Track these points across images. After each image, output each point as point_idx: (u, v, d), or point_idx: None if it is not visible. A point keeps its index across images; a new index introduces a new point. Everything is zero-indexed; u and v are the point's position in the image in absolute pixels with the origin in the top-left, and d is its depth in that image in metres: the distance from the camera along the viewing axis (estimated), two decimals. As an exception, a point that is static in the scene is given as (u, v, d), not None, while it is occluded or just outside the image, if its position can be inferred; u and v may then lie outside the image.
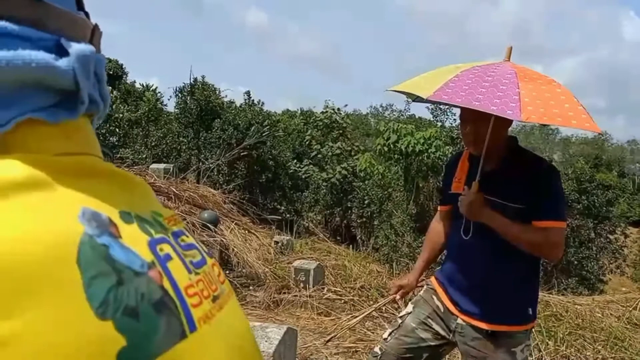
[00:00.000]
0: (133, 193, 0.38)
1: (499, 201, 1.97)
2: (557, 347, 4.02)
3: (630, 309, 5.69)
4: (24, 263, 0.27)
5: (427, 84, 2.02)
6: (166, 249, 0.35)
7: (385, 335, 2.27)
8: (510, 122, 2.00)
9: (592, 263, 22.07)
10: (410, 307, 2.27)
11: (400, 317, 2.28)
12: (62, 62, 0.34)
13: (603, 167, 41.74)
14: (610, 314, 5.41)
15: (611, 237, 25.46)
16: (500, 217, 1.96)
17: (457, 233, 2.15)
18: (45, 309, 0.27)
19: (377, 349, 2.25)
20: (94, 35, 0.38)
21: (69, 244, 0.29)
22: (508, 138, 2.08)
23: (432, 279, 2.28)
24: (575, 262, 21.65)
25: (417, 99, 2.35)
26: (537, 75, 2.05)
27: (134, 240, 0.33)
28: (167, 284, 0.33)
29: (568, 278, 20.71)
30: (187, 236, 0.39)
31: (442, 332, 2.14)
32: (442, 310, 2.15)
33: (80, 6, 0.39)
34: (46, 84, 0.33)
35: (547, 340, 4.11)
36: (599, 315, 5.35)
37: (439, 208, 2.42)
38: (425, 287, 2.33)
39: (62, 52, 0.34)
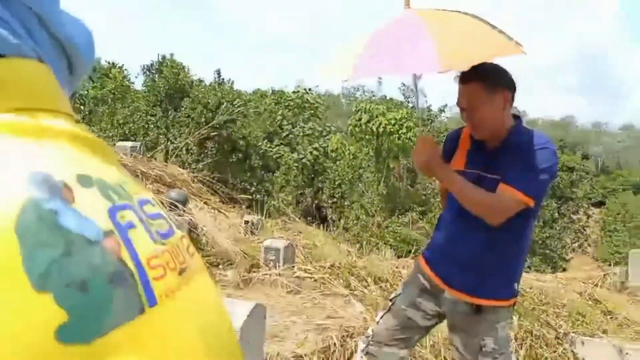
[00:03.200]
0: (97, 157, 0.34)
1: (489, 176, 1.96)
2: (520, 322, 4.12)
3: (592, 285, 5.88)
4: None
5: (342, 63, 2.00)
6: (128, 216, 0.31)
7: (377, 318, 2.29)
8: (505, 101, 1.97)
9: (556, 242, 22.79)
10: (400, 289, 2.29)
11: (391, 299, 2.29)
12: None
13: (567, 149, 42.83)
14: (573, 291, 5.59)
15: (574, 217, 26.32)
16: (454, 173, 1.96)
17: (448, 211, 2.15)
18: None
19: (369, 331, 2.29)
20: None
21: (8, 211, 0.26)
22: (512, 118, 2.03)
23: (419, 258, 2.28)
24: (539, 241, 22.30)
25: (348, 79, 2.36)
26: (444, 15, 2.02)
27: (91, 206, 0.29)
28: (125, 255, 0.29)
29: (532, 257, 21.33)
30: (154, 205, 0.36)
31: (433, 309, 2.16)
32: (429, 288, 2.15)
33: None
34: None
35: (511, 315, 4.22)
36: (562, 291, 5.51)
37: (439, 182, 2.41)
38: (413, 267, 2.34)
39: None
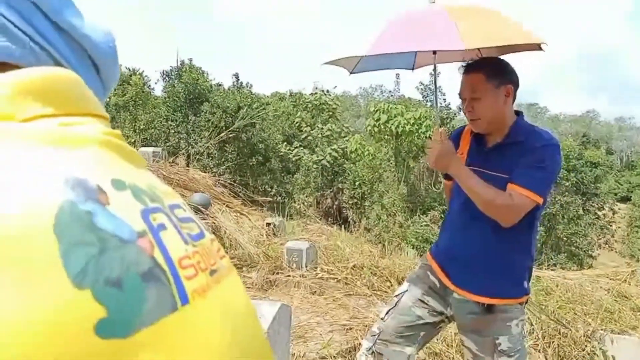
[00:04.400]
0: (131, 164, 0.35)
1: (490, 173, 1.96)
2: (548, 321, 4.06)
3: (620, 282, 5.77)
4: None
5: (360, 45, 2.02)
6: (160, 218, 0.33)
7: (382, 315, 2.26)
8: (508, 95, 1.98)
9: (581, 239, 22.38)
10: (405, 286, 2.26)
11: (396, 295, 2.27)
12: None
13: (591, 145, 42.07)
14: (600, 287, 5.49)
15: (599, 213, 25.82)
16: (467, 170, 1.95)
17: (454, 208, 2.14)
18: (6, 288, 0.25)
19: (375, 328, 2.25)
20: None
21: (46, 212, 0.27)
22: (513, 114, 2.03)
23: (427, 255, 2.27)
24: (565, 239, 21.94)
25: (355, 68, 2.36)
26: (467, 6, 2.06)
27: (125, 208, 0.31)
28: (158, 254, 0.30)
29: (558, 254, 20.99)
30: (184, 210, 0.37)
31: (439, 308, 2.14)
32: (438, 286, 2.14)
33: None
34: None
35: (538, 314, 4.15)
36: (589, 289, 5.42)
37: (443, 182, 2.41)
38: (419, 264, 2.32)
39: None
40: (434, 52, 2.07)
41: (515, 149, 1.95)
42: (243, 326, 0.35)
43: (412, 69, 2.57)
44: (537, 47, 2.09)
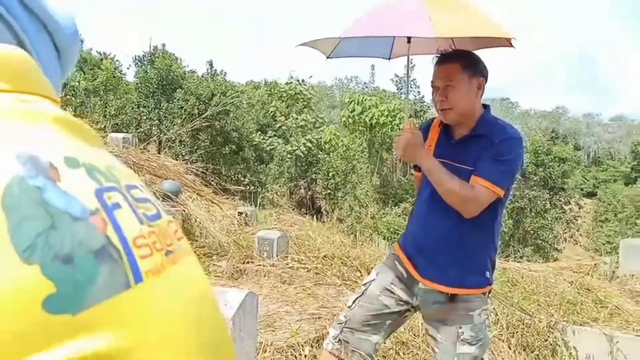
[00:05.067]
0: (87, 143, 0.34)
1: (456, 165, 1.98)
2: (513, 311, 4.15)
3: (583, 275, 5.93)
4: None
5: (337, 29, 2.08)
6: (115, 197, 0.32)
7: (349, 303, 2.28)
8: (479, 87, 2.01)
9: (547, 232, 22.96)
10: (373, 274, 2.28)
11: (364, 284, 2.29)
12: None
13: (559, 140, 43.03)
14: (564, 280, 5.63)
15: (566, 207, 26.47)
16: (434, 160, 1.98)
17: (422, 199, 2.17)
18: None
19: (341, 317, 2.26)
20: None
21: None
22: (481, 107, 2.08)
23: (395, 245, 2.29)
24: (531, 232, 22.47)
25: (332, 53, 2.39)
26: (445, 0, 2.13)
27: (77, 186, 0.30)
28: (111, 232, 0.30)
29: (524, 247, 21.49)
30: (141, 190, 0.36)
31: (405, 298, 2.17)
32: (405, 276, 2.17)
33: None
34: None
35: (503, 305, 4.24)
36: (553, 281, 5.56)
37: (413, 173, 2.43)
38: (388, 254, 2.34)
39: None
40: (408, 41, 2.08)
41: (480, 141, 1.99)
42: (198, 306, 0.34)
43: (389, 58, 2.58)
44: (508, 43, 2.12)
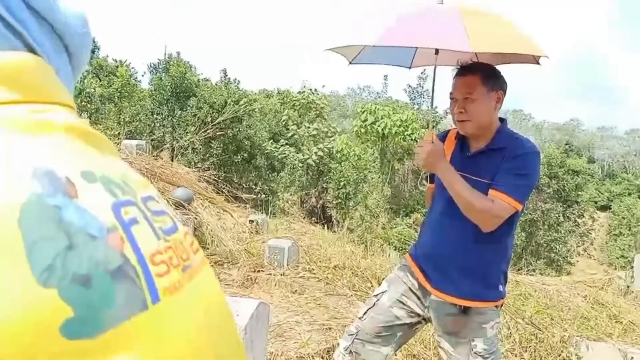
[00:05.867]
0: (101, 153, 0.34)
1: (473, 178, 1.97)
2: (525, 326, 4.10)
3: (597, 289, 5.85)
4: None
5: (366, 35, 2.02)
6: (132, 212, 0.31)
7: (360, 314, 2.26)
8: (498, 101, 2.01)
9: (561, 246, 22.70)
10: (385, 286, 2.27)
11: (375, 295, 2.27)
12: None
13: (573, 153, 42.65)
14: (577, 294, 5.56)
15: (579, 220, 26.18)
16: (455, 173, 1.96)
17: (435, 211, 2.16)
18: None
19: (352, 328, 2.25)
20: None
21: (11, 205, 0.26)
22: (498, 120, 2.07)
23: (407, 256, 2.28)
24: (544, 245, 22.23)
25: (355, 59, 2.36)
26: (477, 10, 2.08)
27: (94, 202, 0.29)
28: (129, 251, 0.29)
29: (537, 260, 21.25)
30: (158, 202, 0.35)
31: (417, 310, 2.16)
32: (417, 287, 2.16)
33: None
34: None
35: (516, 319, 4.19)
36: (566, 295, 5.48)
37: (427, 185, 2.42)
38: (399, 265, 2.33)
39: None
40: (436, 52, 2.07)
41: (497, 155, 1.98)
42: (216, 323, 0.34)
43: (409, 67, 2.57)
44: (535, 60, 2.11)
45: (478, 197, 1.91)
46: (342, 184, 19.99)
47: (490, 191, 1.92)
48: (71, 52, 0.40)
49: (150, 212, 0.33)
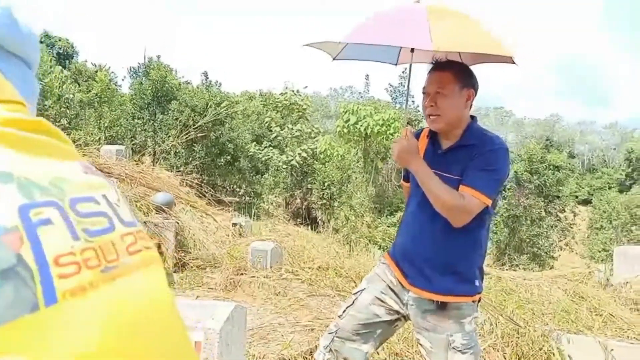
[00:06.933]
0: (31, 155, 0.33)
1: (444, 174, 2.00)
2: (507, 321, 4.14)
3: (577, 283, 5.93)
4: None
5: (343, 32, 2.09)
6: (46, 213, 0.31)
7: (340, 312, 2.27)
8: (468, 99, 2.04)
9: (543, 240, 22.97)
10: (364, 284, 2.28)
11: (354, 293, 2.29)
12: None
13: (554, 148, 43.20)
14: (558, 288, 5.63)
15: (561, 215, 26.53)
16: (427, 168, 1.99)
17: (410, 208, 2.19)
18: None
19: (332, 326, 2.26)
20: None
21: None
22: (469, 118, 2.10)
23: (385, 255, 2.30)
24: (527, 240, 22.47)
25: (338, 55, 2.40)
26: (448, 10, 2.12)
27: None
28: (27, 251, 0.29)
29: (520, 255, 21.49)
30: (98, 203, 0.34)
31: (396, 307, 2.17)
32: (395, 285, 2.17)
33: None
34: None
35: (497, 314, 4.23)
36: (547, 289, 5.55)
37: (402, 184, 2.45)
38: (378, 263, 2.35)
39: None
40: (412, 50, 2.11)
41: (467, 151, 2.01)
42: (144, 324, 0.33)
43: (396, 64, 2.59)
44: (510, 60, 2.14)
45: (449, 192, 1.94)
46: (326, 184, 20.01)
47: (461, 187, 1.95)
48: (1, 45, 0.39)
49: (77, 213, 0.33)
